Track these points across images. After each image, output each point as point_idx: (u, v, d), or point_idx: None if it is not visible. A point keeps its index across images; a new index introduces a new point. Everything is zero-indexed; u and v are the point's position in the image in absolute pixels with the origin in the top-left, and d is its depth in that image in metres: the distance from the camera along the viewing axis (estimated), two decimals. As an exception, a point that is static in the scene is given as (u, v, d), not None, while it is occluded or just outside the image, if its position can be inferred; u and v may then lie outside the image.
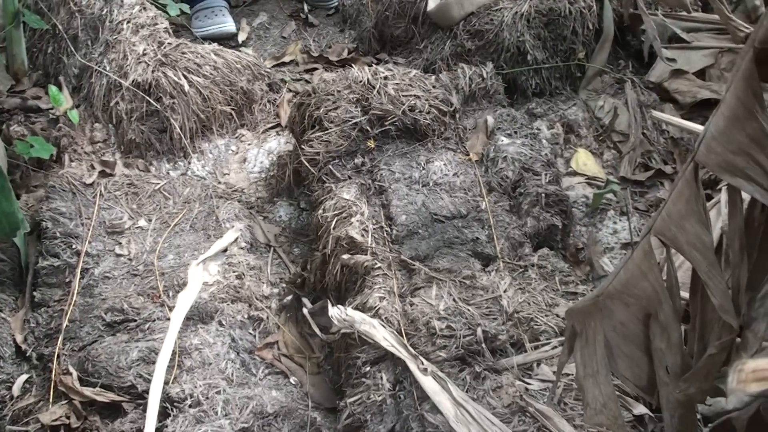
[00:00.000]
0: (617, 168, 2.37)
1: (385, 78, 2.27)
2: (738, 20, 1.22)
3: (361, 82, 2.27)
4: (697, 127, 1.93)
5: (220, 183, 2.49)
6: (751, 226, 1.13)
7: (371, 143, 2.18)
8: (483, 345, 1.68)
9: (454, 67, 2.53)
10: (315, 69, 3.05)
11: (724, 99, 1.04)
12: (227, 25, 3.17)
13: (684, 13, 2.68)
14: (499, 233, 1.97)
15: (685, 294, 1.25)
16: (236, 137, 2.68)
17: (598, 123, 2.48)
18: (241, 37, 3.18)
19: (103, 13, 2.74)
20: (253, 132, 2.71)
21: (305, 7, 3.39)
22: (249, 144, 2.66)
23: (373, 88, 2.24)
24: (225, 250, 2.12)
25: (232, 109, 2.68)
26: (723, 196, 1.90)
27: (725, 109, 1.04)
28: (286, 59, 3.11)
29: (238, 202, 2.38)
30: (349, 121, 2.20)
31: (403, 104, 2.22)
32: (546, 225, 2.03)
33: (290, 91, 2.87)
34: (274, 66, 3.04)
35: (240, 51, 2.97)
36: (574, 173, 2.33)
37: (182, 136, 2.55)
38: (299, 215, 2.38)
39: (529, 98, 2.61)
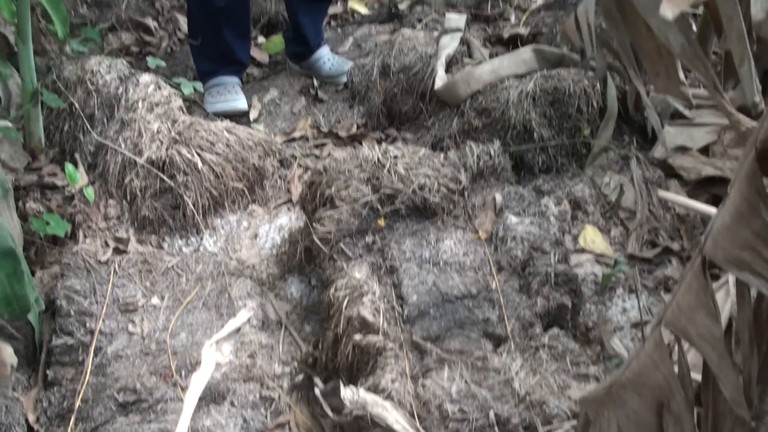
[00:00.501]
0: (625, 245, 2.39)
1: (395, 157, 2.32)
2: (740, 115, 1.26)
3: (371, 161, 2.32)
4: (704, 207, 1.96)
5: (231, 259, 2.52)
6: (759, 318, 1.15)
7: (382, 222, 2.22)
8: (495, 428, 1.68)
9: (462, 144, 2.58)
10: (325, 144, 3.10)
11: (729, 196, 1.07)
12: (239, 101, 3.24)
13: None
14: (509, 313, 1.98)
15: (697, 376, 1.26)
16: (248, 213, 2.72)
17: (605, 199, 2.52)
18: (253, 115, 3.25)
19: (119, 92, 2.81)
20: (265, 208, 2.76)
21: (315, 82, 3.47)
22: (260, 220, 2.69)
23: (384, 167, 2.29)
24: (238, 330, 2.14)
25: (244, 186, 2.73)
26: (731, 278, 1.92)
27: (730, 206, 1.07)
28: (297, 134, 3.17)
29: (250, 279, 2.41)
30: (360, 199, 2.24)
31: (413, 183, 2.26)
32: (556, 304, 2.05)
33: (300, 166, 2.92)
34: (284, 141, 3.10)
35: (252, 127, 3.04)
36: (583, 250, 2.36)
37: (195, 212, 2.59)
38: (310, 292, 2.40)
39: (536, 175, 2.65)
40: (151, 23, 3.89)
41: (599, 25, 1.37)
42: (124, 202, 2.65)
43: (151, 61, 3.07)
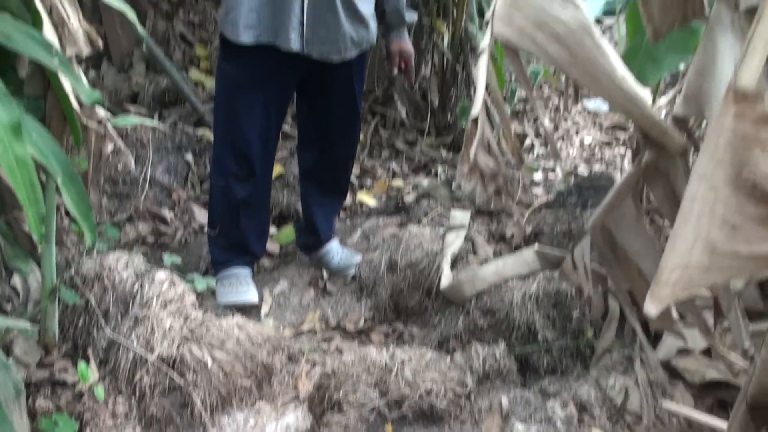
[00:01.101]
0: (632, 451, 2.39)
1: (402, 362, 2.36)
2: (732, 356, 1.32)
3: (379, 365, 2.36)
4: (709, 420, 1.98)
5: (237, 461, 2.51)
6: None
7: (389, 428, 2.23)
8: None
9: (468, 344, 2.63)
10: (332, 338, 3.16)
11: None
12: (249, 294, 3.30)
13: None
14: None
15: None
16: (255, 410, 2.73)
17: (611, 402, 2.52)
18: (264, 309, 3.32)
19: (135, 288, 2.89)
20: (272, 405, 2.77)
21: (324, 274, 3.56)
22: (267, 418, 2.70)
23: (391, 371, 2.33)
24: None
25: (252, 383, 2.75)
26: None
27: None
28: (305, 328, 3.23)
29: (255, 483, 2.39)
30: (368, 404, 2.26)
31: (420, 388, 2.29)
32: None
33: (308, 362, 2.96)
34: (293, 335, 3.16)
35: (262, 321, 3.10)
36: (590, 457, 2.35)
37: (203, 411, 2.60)
38: (316, 499, 2.38)
39: (542, 376, 2.68)
40: (168, 214, 4.05)
41: (595, 266, 1.46)
42: (133, 399, 2.67)
43: (166, 258, 3.17)
